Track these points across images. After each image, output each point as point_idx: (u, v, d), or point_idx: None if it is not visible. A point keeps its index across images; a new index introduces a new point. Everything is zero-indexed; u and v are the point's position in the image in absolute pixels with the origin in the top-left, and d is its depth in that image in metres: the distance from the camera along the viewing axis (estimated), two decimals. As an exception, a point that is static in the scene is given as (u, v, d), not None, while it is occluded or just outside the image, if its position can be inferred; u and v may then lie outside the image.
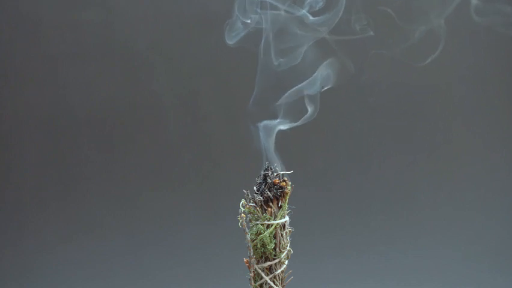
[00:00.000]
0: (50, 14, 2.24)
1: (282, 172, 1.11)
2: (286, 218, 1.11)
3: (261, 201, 1.09)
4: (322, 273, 2.18)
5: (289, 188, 1.10)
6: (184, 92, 2.30)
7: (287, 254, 1.11)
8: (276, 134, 1.16)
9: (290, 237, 1.12)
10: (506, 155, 2.32)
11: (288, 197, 1.10)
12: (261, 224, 1.09)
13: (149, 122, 2.29)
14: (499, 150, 2.32)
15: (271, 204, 1.10)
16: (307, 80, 1.16)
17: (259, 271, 1.10)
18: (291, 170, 1.12)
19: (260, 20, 1.20)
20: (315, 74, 1.18)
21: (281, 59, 1.20)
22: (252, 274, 1.10)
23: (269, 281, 1.09)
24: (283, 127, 1.15)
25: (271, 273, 1.10)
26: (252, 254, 1.09)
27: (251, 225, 1.10)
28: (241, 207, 1.09)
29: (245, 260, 1.11)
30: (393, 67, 2.31)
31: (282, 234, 1.10)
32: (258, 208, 1.10)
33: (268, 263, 1.10)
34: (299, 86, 1.16)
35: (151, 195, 2.26)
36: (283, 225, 1.11)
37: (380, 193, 2.28)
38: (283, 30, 1.20)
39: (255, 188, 1.10)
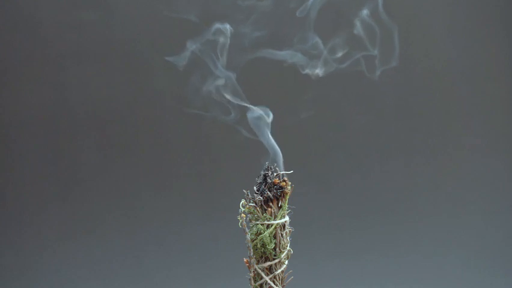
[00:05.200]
0: (51, 14, 2.24)
1: (282, 172, 1.11)
2: (286, 218, 1.11)
3: (261, 201, 1.09)
4: (322, 273, 2.18)
5: (289, 188, 1.10)
6: (184, 92, 2.30)
7: (287, 254, 1.11)
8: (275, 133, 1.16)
9: (290, 237, 1.12)
10: (506, 157, 2.32)
11: (288, 197, 1.11)
12: (261, 224, 1.09)
13: (149, 122, 2.29)
14: (499, 151, 2.32)
15: (271, 204, 1.10)
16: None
17: (259, 271, 1.10)
18: (291, 170, 1.12)
19: None
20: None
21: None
22: (252, 274, 1.10)
23: (269, 281, 1.09)
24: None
25: (271, 273, 1.10)
26: (252, 254, 1.10)
27: (251, 225, 1.10)
28: (241, 207, 1.09)
29: (245, 260, 1.11)
30: (393, 70, 2.31)
31: (282, 234, 1.10)
32: (258, 208, 1.10)
33: (268, 263, 1.10)
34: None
35: (151, 195, 2.26)
36: (283, 225, 1.11)
37: (380, 194, 2.28)
38: None
39: (255, 188, 1.10)
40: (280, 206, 1.10)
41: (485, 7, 2.31)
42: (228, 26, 1.24)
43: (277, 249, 1.10)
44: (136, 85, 2.28)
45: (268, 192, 1.09)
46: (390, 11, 2.26)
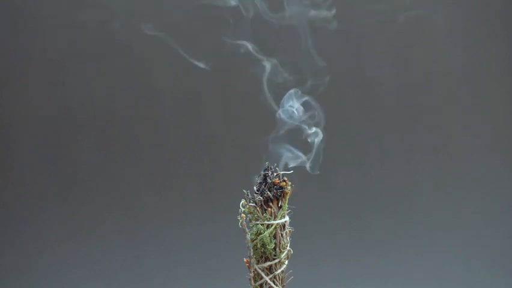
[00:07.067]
0: (51, 14, 2.24)
1: (282, 172, 1.11)
2: (286, 218, 1.11)
3: (261, 201, 1.09)
4: (322, 273, 2.18)
5: (289, 188, 1.10)
6: (184, 92, 2.30)
7: (287, 254, 1.11)
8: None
9: (290, 237, 1.12)
10: (506, 157, 2.32)
11: (288, 197, 1.10)
12: (261, 224, 1.09)
13: (149, 122, 2.29)
14: (499, 151, 2.32)
15: (271, 204, 1.10)
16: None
17: (259, 271, 1.10)
18: (291, 170, 1.13)
19: None
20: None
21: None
22: (252, 274, 1.10)
23: (269, 281, 1.09)
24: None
25: (271, 273, 1.10)
26: (252, 254, 1.09)
27: (251, 225, 1.10)
28: (241, 207, 1.09)
29: (245, 260, 1.11)
30: (394, 69, 2.31)
31: (282, 234, 1.10)
32: (258, 208, 1.10)
33: (268, 263, 1.10)
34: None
35: (151, 195, 2.26)
36: (283, 225, 1.11)
37: (381, 194, 2.28)
38: None
39: (255, 188, 1.10)
40: (280, 206, 1.10)
41: (485, 7, 2.31)
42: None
43: (277, 249, 1.10)
44: (136, 85, 2.28)
45: (268, 192, 1.09)
46: (391, 11, 2.26)
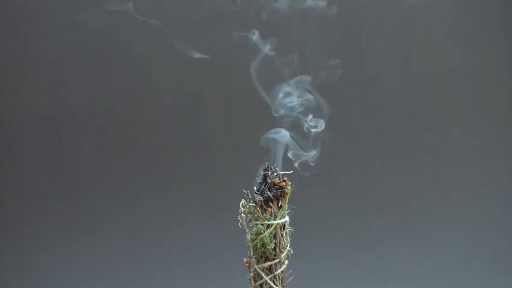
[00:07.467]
0: (51, 14, 2.24)
1: (282, 172, 1.11)
2: (286, 218, 1.11)
3: (261, 201, 1.09)
4: (322, 273, 2.18)
5: (289, 188, 1.10)
6: (184, 92, 2.30)
7: (287, 254, 1.11)
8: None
9: (290, 237, 1.12)
10: (506, 157, 2.32)
11: (288, 197, 1.10)
12: (261, 224, 1.09)
13: (150, 122, 2.29)
14: (499, 151, 2.32)
15: (271, 204, 1.10)
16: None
17: (259, 271, 1.10)
18: (290, 170, 1.12)
19: None
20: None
21: None
22: (252, 274, 1.10)
23: (269, 281, 1.09)
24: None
25: (271, 273, 1.10)
26: (252, 254, 1.09)
27: (251, 225, 1.10)
28: (241, 207, 1.09)
29: (245, 260, 1.11)
30: (394, 68, 2.31)
31: (282, 234, 1.10)
32: (258, 208, 1.10)
33: (268, 263, 1.10)
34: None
35: (151, 195, 2.26)
36: (283, 225, 1.11)
37: (381, 194, 2.28)
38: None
39: (255, 188, 1.10)
40: (280, 206, 1.10)
41: (485, 7, 2.31)
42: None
43: (277, 249, 1.10)
44: (136, 85, 2.28)
45: (268, 192, 1.09)
46: (392, 11, 2.26)
